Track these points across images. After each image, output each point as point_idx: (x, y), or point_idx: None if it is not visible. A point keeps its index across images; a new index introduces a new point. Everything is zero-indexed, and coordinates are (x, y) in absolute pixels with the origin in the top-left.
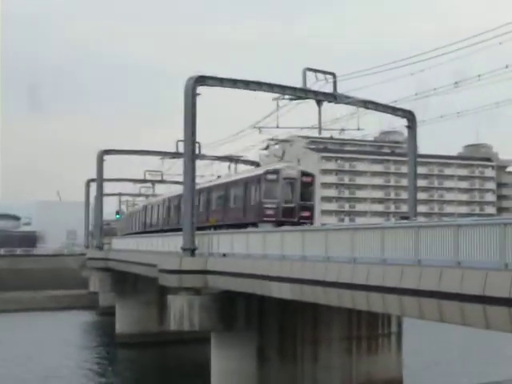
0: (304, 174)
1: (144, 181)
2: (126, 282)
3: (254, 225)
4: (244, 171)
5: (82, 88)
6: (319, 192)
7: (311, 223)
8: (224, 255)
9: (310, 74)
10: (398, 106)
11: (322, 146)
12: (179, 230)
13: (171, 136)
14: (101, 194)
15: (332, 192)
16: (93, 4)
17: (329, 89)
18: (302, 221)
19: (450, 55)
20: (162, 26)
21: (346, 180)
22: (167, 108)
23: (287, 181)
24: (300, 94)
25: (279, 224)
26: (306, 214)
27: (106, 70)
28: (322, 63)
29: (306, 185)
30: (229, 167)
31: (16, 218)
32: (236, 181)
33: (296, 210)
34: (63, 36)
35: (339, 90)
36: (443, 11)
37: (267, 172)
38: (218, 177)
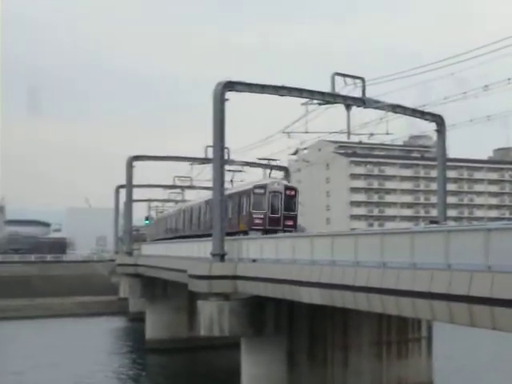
0: (287, 188)
1: (173, 186)
2: (155, 287)
3: (246, 233)
4: (238, 185)
5: (107, 96)
6: (349, 197)
7: (295, 231)
8: (254, 260)
9: (338, 79)
10: (427, 110)
11: (351, 151)
12: (206, 235)
13: (200, 142)
14: (130, 200)
15: (361, 197)
16: (112, 14)
17: (357, 93)
18: (286, 229)
19: (479, 58)
20: (184, 33)
21: (375, 185)
22: (196, 113)
23: (273, 194)
24: (329, 98)
25: (266, 232)
26: (290, 222)
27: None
28: (349, 68)
29: (289, 197)
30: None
31: (46, 225)
32: (231, 194)
33: (281, 219)
34: (84, 45)
35: (367, 95)
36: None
37: (255, 187)
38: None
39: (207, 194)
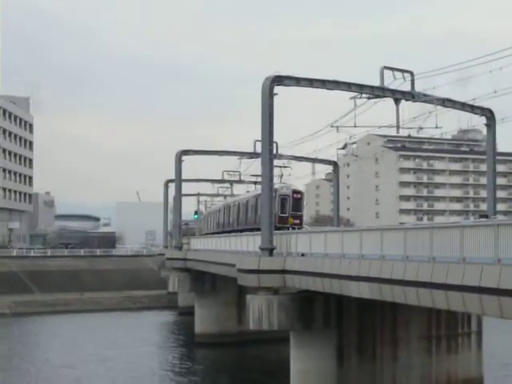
0: (295, 191)
1: (222, 181)
2: (204, 281)
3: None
4: (256, 190)
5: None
6: (398, 191)
7: (301, 227)
8: (302, 255)
9: (387, 73)
10: (477, 103)
11: (400, 145)
12: (254, 229)
13: (248, 136)
14: (179, 194)
15: (410, 191)
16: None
17: (406, 87)
18: (293, 226)
19: None
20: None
21: (425, 179)
22: (245, 107)
23: (282, 197)
24: (378, 92)
25: (276, 229)
26: (297, 221)
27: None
28: (399, 61)
29: (296, 200)
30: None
31: (95, 219)
32: (248, 198)
33: (289, 218)
34: (113, 41)
35: (416, 88)
36: None
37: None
38: (247, 191)
39: (253, 190)
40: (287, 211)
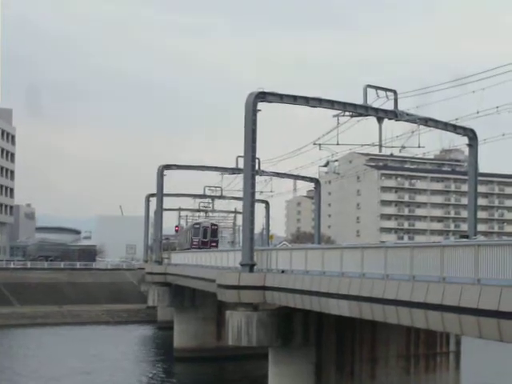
0: (213, 224)
1: (203, 196)
2: (184, 296)
3: (189, 249)
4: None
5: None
6: (379, 209)
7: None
8: (283, 271)
9: (370, 91)
10: (459, 124)
11: (382, 164)
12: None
13: (231, 151)
14: (161, 209)
15: (391, 210)
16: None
17: (389, 106)
18: (211, 247)
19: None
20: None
21: (406, 198)
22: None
23: (204, 228)
24: (361, 110)
25: (200, 249)
26: (213, 244)
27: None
28: (382, 81)
29: (213, 230)
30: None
31: (76, 232)
32: (188, 227)
33: (208, 242)
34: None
35: (400, 108)
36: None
37: (194, 223)
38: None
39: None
40: (208, 237)
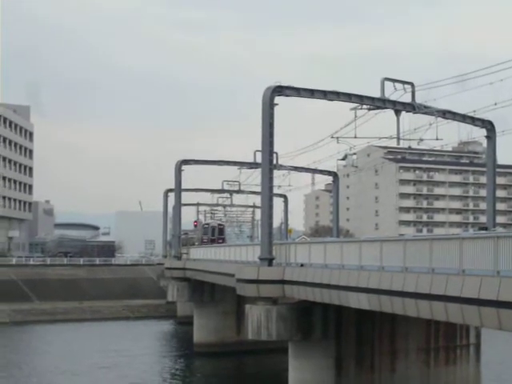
0: (219, 224)
1: (222, 191)
2: (203, 291)
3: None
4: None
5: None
6: (398, 202)
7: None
8: (301, 265)
9: (388, 84)
10: (478, 115)
11: (400, 157)
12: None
13: (249, 146)
14: (179, 204)
15: (410, 202)
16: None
17: (407, 98)
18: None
19: None
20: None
21: (424, 190)
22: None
23: (212, 227)
24: (378, 103)
25: None
26: (220, 241)
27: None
28: (400, 74)
29: (220, 229)
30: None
31: (95, 228)
32: (201, 227)
33: (216, 239)
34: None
35: (417, 100)
36: None
37: (204, 224)
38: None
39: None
40: (215, 235)
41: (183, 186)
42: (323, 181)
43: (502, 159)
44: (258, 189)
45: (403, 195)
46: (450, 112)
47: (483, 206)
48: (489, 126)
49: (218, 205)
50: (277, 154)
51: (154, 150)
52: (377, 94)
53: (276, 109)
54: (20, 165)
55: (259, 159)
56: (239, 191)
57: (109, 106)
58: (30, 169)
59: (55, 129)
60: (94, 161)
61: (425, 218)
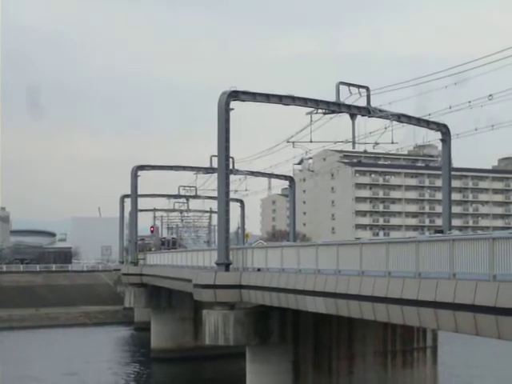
0: (173, 238)
1: (178, 196)
2: (160, 297)
3: None
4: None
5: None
6: (354, 206)
7: None
8: (259, 270)
9: (343, 88)
10: (432, 119)
11: (356, 160)
12: None
13: (205, 151)
14: (135, 210)
15: (366, 206)
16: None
17: (362, 103)
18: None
19: (482, 68)
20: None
21: (381, 194)
22: (201, 124)
23: (167, 240)
24: (333, 107)
25: None
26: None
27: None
28: (355, 77)
29: (174, 241)
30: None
31: (51, 235)
32: (159, 239)
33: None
34: (90, 58)
35: (372, 104)
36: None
37: (161, 238)
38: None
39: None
40: (170, 246)
41: (140, 192)
42: (280, 185)
43: (457, 162)
44: (215, 194)
45: (359, 199)
46: (404, 115)
47: (439, 209)
48: (444, 129)
49: (174, 210)
50: (233, 158)
51: (114, 155)
52: (332, 98)
53: (233, 113)
54: None
55: (216, 164)
56: (196, 196)
57: (68, 108)
58: None
59: (12, 133)
60: (55, 165)
61: (381, 221)
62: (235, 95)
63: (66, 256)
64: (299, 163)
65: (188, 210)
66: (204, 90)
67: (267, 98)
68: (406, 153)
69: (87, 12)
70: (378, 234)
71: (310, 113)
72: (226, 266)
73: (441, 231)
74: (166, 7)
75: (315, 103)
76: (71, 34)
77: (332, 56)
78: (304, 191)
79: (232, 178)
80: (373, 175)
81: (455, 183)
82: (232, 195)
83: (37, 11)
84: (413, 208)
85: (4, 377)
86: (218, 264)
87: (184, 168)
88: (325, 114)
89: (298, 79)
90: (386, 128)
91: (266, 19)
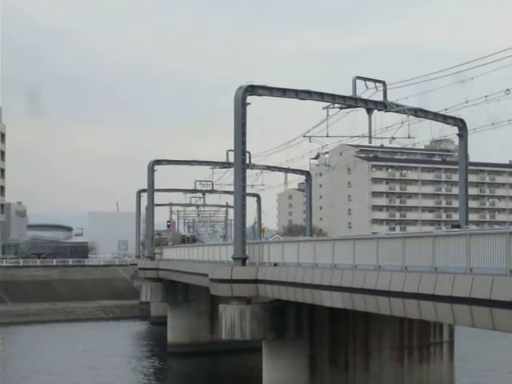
0: (192, 235)
1: (194, 191)
2: (177, 291)
3: None
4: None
5: (128, 103)
6: (370, 201)
7: None
8: (275, 264)
9: (359, 83)
10: (449, 114)
11: (373, 155)
12: None
13: (222, 146)
14: (152, 204)
15: (383, 201)
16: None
17: (379, 97)
18: None
19: (501, 62)
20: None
21: (397, 189)
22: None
23: (187, 237)
24: (350, 102)
25: None
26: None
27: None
28: (374, 72)
29: (193, 238)
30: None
31: (68, 229)
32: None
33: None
34: (102, 51)
35: (389, 99)
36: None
37: (181, 235)
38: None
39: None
40: (191, 242)
41: (156, 186)
42: (296, 180)
43: (474, 157)
44: (231, 188)
45: (376, 194)
46: (421, 110)
47: (456, 203)
48: (460, 124)
49: (191, 205)
50: (249, 153)
51: (131, 150)
52: (348, 92)
53: (250, 108)
54: None
55: (232, 159)
56: (212, 191)
57: (86, 105)
58: (2, 170)
59: (27, 127)
60: (72, 160)
61: (398, 216)
62: (251, 90)
63: (82, 250)
64: (316, 158)
65: (204, 205)
66: (216, 85)
67: (284, 92)
68: (422, 147)
69: (96, 4)
70: (394, 229)
71: (327, 107)
72: (242, 260)
73: (457, 226)
74: (178, 2)
75: (332, 98)
76: (84, 32)
77: (345, 51)
78: (320, 186)
79: (248, 172)
80: (389, 170)
81: (472, 178)
82: (248, 190)
83: (38, 4)
84: (429, 203)
85: (22, 371)
86: (234, 258)
87: (200, 163)
88: (341, 108)
89: (310, 75)
90: (402, 123)
91: (277, 16)
